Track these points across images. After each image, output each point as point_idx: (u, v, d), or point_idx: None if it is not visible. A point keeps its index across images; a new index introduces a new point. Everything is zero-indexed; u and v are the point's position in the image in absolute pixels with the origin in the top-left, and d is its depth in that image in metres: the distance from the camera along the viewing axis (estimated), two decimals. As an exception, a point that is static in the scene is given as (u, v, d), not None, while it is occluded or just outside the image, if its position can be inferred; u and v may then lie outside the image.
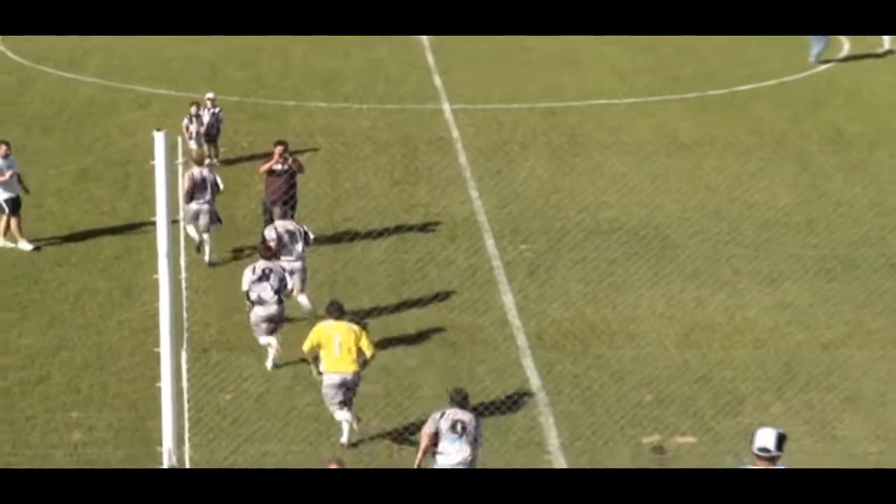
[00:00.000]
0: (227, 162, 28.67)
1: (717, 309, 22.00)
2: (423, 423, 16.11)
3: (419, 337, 20.88)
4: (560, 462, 17.48)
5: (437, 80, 35.69)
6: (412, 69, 36.91)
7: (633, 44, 37.65)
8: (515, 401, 18.93)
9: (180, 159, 11.94)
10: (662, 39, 37.01)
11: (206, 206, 23.56)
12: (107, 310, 21.79)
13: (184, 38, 35.14)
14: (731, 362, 20.19)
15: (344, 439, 17.83)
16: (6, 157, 24.03)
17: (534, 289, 22.68)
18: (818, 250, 24.14)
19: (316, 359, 18.03)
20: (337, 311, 18.15)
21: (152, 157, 11.56)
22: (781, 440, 13.10)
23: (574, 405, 18.92)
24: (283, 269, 20.18)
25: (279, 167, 23.86)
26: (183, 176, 12.59)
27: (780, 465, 13.05)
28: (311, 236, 21.78)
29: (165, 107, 32.74)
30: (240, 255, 23.63)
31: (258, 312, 19.84)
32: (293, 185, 23.64)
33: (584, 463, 17.33)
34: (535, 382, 19.51)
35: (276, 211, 22.26)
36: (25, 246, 24.05)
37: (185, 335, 12.39)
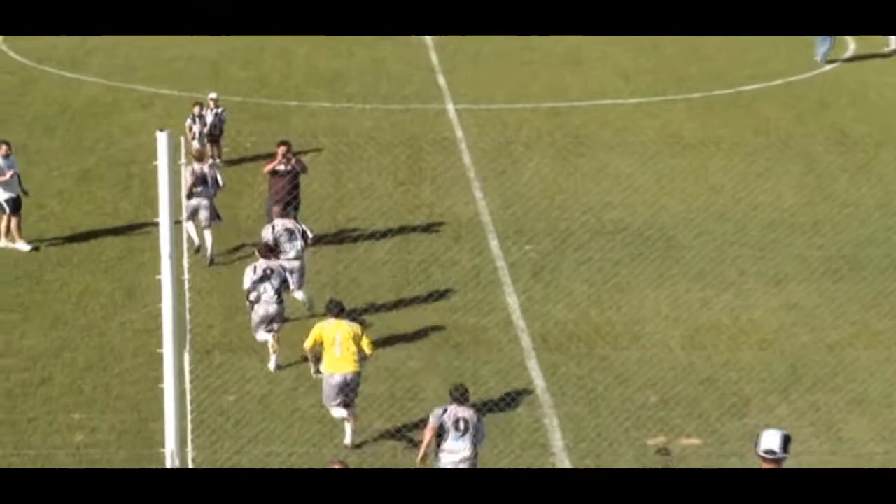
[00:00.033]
0: (231, 162, 28.62)
1: (722, 310, 21.92)
2: (426, 424, 16.08)
3: (423, 338, 20.82)
4: (564, 464, 17.42)
5: (441, 80, 35.62)
6: (416, 69, 36.83)
7: (638, 43, 37.57)
8: (520, 402, 18.88)
9: (183, 160, 11.88)
10: (667, 39, 36.96)
11: (205, 202, 23.54)
12: (109, 311, 21.74)
13: (186, 38, 35.09)
14: (736, 363, 20.13)
15: (347, 440, 17.78)
16: (7, 157, 23.97)
17: (538, 290, 22.61)
18: (824, 251, 24.07)
19: (317, 357, 18.02)
20: (337, 309, 18.15)
21: (155, 158, 11.50)
22: (787, 442, 12.98)
23: (579, 407, 18.85)
24: (284, 269, 20.16)
25: (282, 167, 23.78)
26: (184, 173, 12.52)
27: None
28: (311, 235, 21.74)
29: (168, 107, 32.69)
30: (243, 255, 23.56)
31: (258, 311, 19.83)
32: (296, 186, 23.58)
33: (589, 464, 17.27)
34: (539, 384, 19.44)
35: (276, 209, 22.23)
36: (23, 247, 23.97)
37: (188, 336, 12.32)
